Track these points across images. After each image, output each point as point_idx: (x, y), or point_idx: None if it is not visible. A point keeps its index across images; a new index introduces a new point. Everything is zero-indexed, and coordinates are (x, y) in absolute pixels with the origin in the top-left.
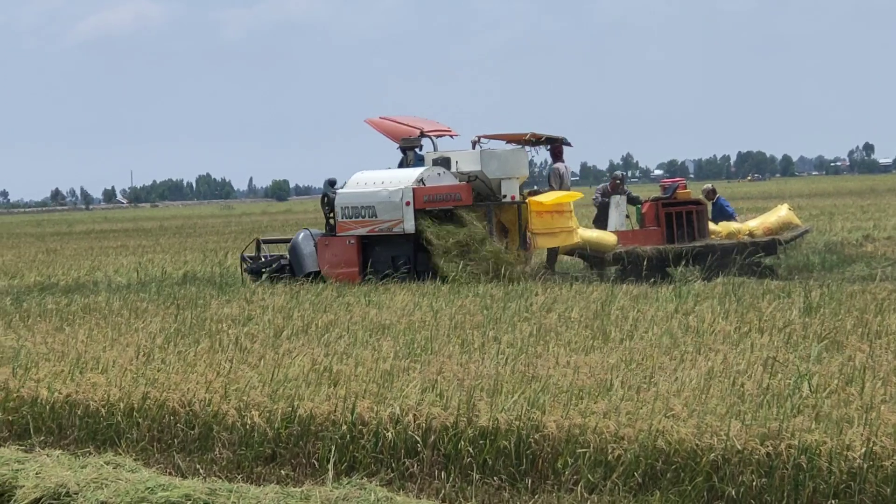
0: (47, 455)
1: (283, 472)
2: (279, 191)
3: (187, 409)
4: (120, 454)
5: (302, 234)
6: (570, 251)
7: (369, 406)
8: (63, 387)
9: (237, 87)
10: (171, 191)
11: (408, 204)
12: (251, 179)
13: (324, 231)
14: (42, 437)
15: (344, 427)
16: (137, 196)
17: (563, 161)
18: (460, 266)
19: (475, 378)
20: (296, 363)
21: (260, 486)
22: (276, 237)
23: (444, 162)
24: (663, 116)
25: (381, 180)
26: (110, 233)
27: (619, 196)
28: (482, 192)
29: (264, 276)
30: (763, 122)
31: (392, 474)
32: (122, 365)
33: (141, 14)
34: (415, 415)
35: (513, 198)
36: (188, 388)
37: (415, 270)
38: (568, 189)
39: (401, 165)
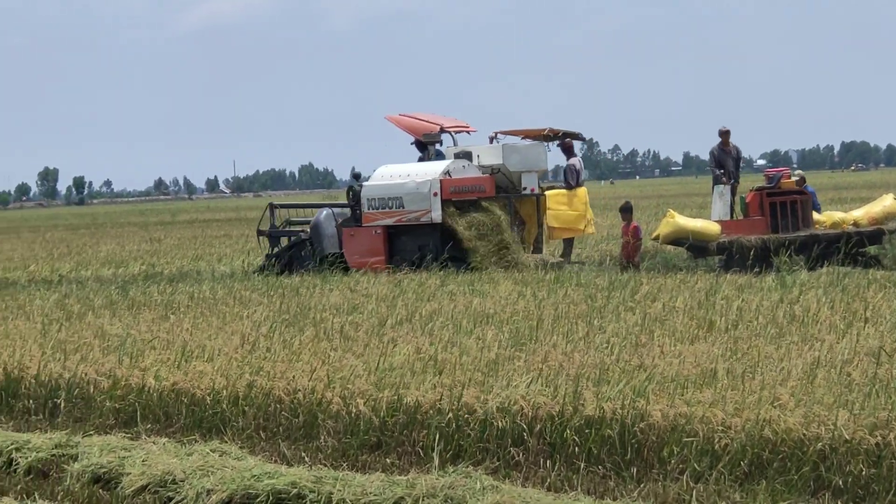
0: (153, 443)
1: (388, 460)
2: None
3: (292, 397)
4: (226, 442)
5: (324, 212)
6: (675, 241)
7: (475, 395)
8: (169, 375)
9: (342, 76)
10: (274, 180)
11: (435, 195)
12: (353, 169)
13: (346, 216)
14: (148, 425)
15: (450, 415)
16: (240, 186)
17: (576, 156)
18: (488, 254)
19: (580, 367)
20: (400, 352)
21: (365, 474)
22: (293, 203)
23: (466, 156)
24: (767, 106)
25: (406, 173)
26: (213, 222)
27: (722, 186)
28: (502, 185)
29: (274, 253)
30: (867, 111)
31: (497, 462)
32: (228, 353)
33: (249, 3)
34: (522, 404)
35: (532, 190)
36: (293, 377)
37: (440, 258)
38: (581, 184)
39: (421, 160)
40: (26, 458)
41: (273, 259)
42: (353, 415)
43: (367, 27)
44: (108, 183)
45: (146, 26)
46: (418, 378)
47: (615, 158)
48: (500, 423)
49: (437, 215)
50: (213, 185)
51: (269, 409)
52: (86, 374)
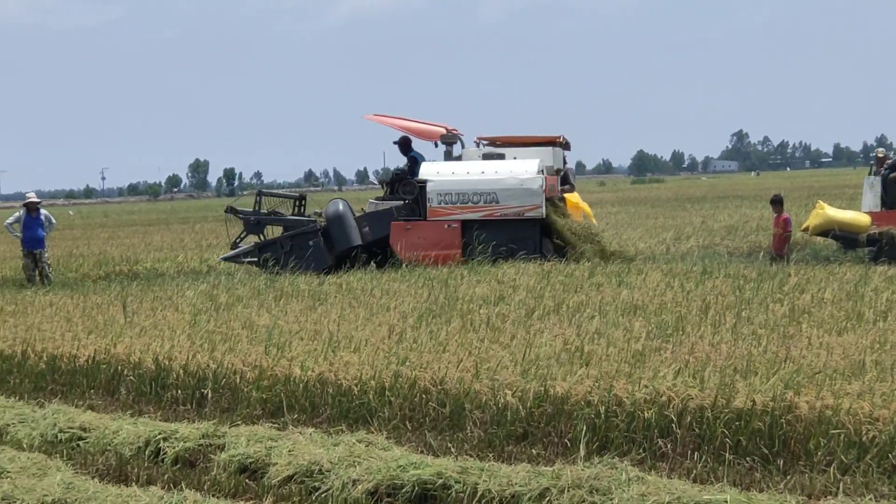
0: (300, 433)
1: (533, 451)
2: None
3: (439, 387)
4: (372, 432)
5: (340, 203)
6: (824, 232)
7: (623, 386)
8: (316, 365)
9: (493, 68)
10: None
11: (544, 191)
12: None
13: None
14: (295, 415)
15: (600, 407)
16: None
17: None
18: (580, 248)
19: (727, 359)
20: (547, 343)
21: (511, 465)
22: (279, 192)
23: (499, 157)
24: None
25: (493, 170)
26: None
27: (873, 177)
28: None
29: (265, 242)
30: None
31: (643, 454)
32: (375, 344)
33: None
34: (670, 395)
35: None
36: (439, 367)
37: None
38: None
39: (414, 162)
40: (174, 448)
41: (264, 247)
42: (499, 405)
43: (518, 18)
44: (258, 174)
45: (297, 19)
46: (565, 369)
47: (765, 150)
48: (647, 415)
49: (543, 211)
50: (363, 176)
51: (416, 400)
52: (232, 365)
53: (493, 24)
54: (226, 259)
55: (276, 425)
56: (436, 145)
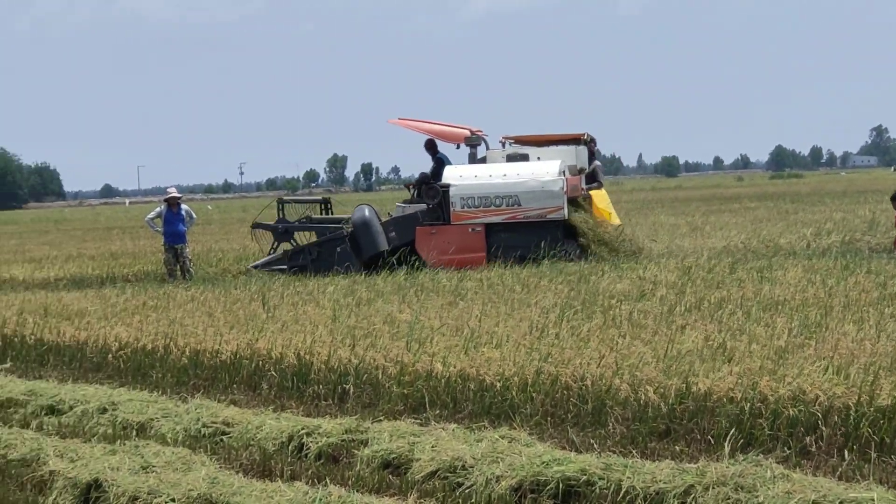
0: (443, 429)
1: (677, 447)
2: (669, 167)
3: (580, 384)
4: (514, 429)
5: (366, 209)
6: None
7: (767, 383)
8: (457, 361)
9: (631, 59)
10: None
11: (564, 192)
12: (640, 155)
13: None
14: (437, 411)
15: (744, 404)
16: None
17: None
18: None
19: (871, 356)
20: (689, 339)
21: (654, 461)
22: (301, 198)
23: (523, 157)
24: None
25: (514, 172)
26: None
27: None
28: None
29: (296, 249)
30: None
31: (788, 451)
32: (516, 340)
33: None
34: (816, 392)
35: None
36: (581, 363)
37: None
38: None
39: (439, 164)
40: (317, 443)
41: (294, 255)
42: (641, 402)
43: (656, 9)
44: (395, 169)
45: (433, 12)
46: (707, 365)
47: None
48: (791, 412)
49: (566, 212)
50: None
51: (557, 396)
52: (374, 360)
53: (631, 16)
54: (256, 267)
55: (418, 421)
56: (457, 147)
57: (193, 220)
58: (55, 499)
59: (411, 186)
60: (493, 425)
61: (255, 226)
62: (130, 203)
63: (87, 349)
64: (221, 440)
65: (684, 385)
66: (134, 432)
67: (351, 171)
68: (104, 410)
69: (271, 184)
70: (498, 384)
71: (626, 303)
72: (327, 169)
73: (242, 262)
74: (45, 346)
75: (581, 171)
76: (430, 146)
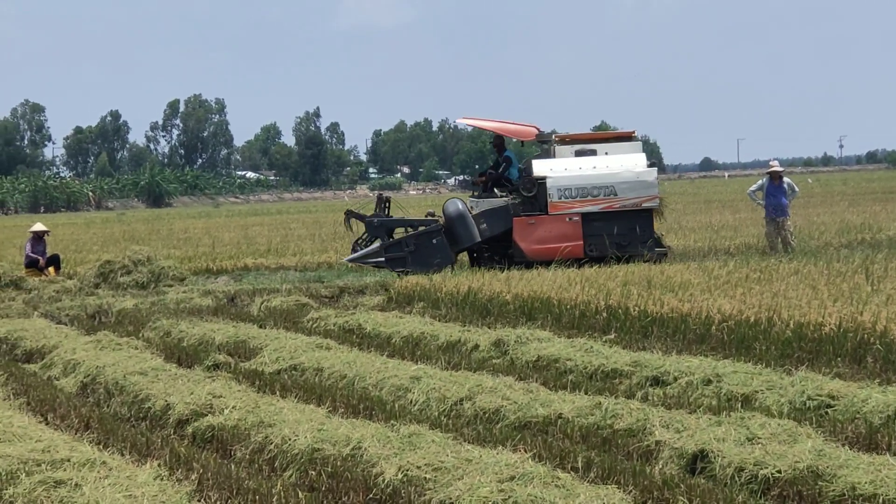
0: None
1: None
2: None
3: None
4: None
5: (459, 202)
6: None
7: None
8: None
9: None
10: None
11: (657, 182)
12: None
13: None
14: None
15: None
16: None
17: None
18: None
19: None
20: None
21: None
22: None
23: (591, 152)
24: None
25: (605, 164)
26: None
27: None
28: None
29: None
30: None
31: None
32: None
33: None
34: None
35: None
36: None
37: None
38: None
39: (496, 162)
40: None
41: (390, 247)
42: None
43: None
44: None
45: None
46: None
47: None
48: None
49: (659, 201)
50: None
51: None
52: None
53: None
54: (351, 261)
55: None
56: (521, 144)
57: (795, 193)
58: (661, 467)
59: (478, 181)
60: None
61: (349, 214)
62: (729, 176)
63: (690, 321)
64: (826, 413)
65: None
66: (739, 404)
67: None
68: (708, 382)
69: (871, 157)
70: None
71: None
72: None
73: (844, 234)
74: (649, 318)
75: (652, 164)
76: (499, 143)
